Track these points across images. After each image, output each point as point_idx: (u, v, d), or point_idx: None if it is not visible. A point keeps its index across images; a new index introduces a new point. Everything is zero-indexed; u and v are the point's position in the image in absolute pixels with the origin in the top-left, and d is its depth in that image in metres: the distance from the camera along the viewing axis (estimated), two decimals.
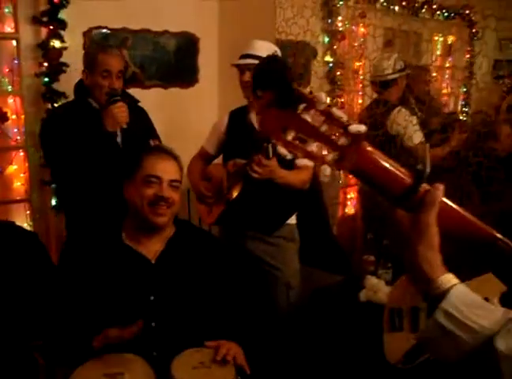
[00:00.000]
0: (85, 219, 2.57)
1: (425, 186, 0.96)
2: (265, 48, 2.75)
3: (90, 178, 2.55)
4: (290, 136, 0.91)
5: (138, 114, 2.84)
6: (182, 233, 2.08)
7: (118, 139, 2.67)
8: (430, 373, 2.26)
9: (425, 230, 0.94)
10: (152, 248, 1.99)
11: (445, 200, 0.97)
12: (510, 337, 0.89)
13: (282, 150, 0.92)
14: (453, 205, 0.99)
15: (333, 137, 0.91)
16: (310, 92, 0.92)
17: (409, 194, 0.95)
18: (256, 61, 2.67)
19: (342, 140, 0.91)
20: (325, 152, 0.92)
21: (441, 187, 0.96)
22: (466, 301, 0.92)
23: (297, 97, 0.90)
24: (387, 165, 0.96)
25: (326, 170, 0.92)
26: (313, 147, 0.91)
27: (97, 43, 3.56)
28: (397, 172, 0.96)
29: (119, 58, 2.69)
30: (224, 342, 1.81)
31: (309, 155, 0.92)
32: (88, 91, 2.69)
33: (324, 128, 0.91)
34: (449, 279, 0.95)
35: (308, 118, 0.90)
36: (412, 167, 0.98)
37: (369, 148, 0.94)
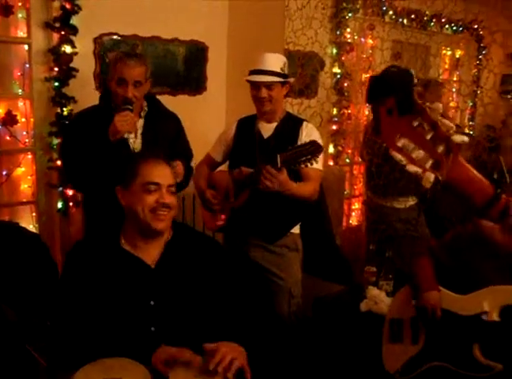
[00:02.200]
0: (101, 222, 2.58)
1: (504, 195, 1.05)
2: (276, 61, 2.74)
3: (99, 182, 2.57)
4: (400, 144, 0.99)
5: (166, 121, 2.88)
6: (179, 236, 2.08)
7: (131, 140, 2.72)
8: None
9: None
10: (150, 253, 1.99)
11: None
12: None
13: (397, 156, 0.99)
14: None
15: (434, 145, 0.98)
16: (423, 102, 0.98)
17: (493, 202, 1.03)
18: (271, 78, 2.70)
19: (441, 149, 0.99)
20: (425, 160, 1.00)
21: None
22: None
23: (414, 105, 0.98)
24: (474, 176, 1.04)
25: (431, 177, 0.99)
26: (417, 154, 0.99)
27: (123, 51, 3.53)
28: (482, 183, 1.05)
29: (138, 67, 2.66)
30: (223, 345, 1.77)
31: (414, 162, 1.00)
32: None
33: (429, 135, 0.98)
34: None
35: (417, 126, 0.98)
36: (489, 177, 1.05)
37: (461, 158, 1.02)
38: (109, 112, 2.66)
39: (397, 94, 0.99)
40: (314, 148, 2.40)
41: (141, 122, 2.78)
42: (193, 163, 3.03)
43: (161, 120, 2.86)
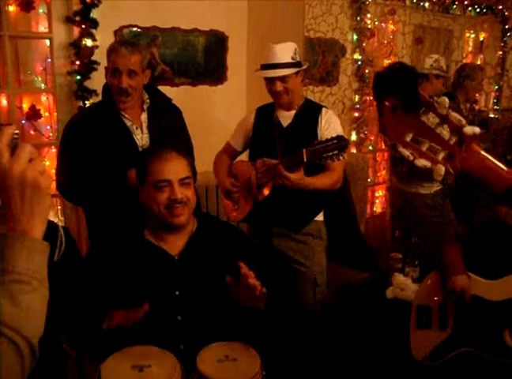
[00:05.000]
0: (106, 218, 2.53)
1: None
2: (285, 52, 2.69)
3: (108, 180, 2.53)
4: (408, 138, 0.98)
5: (169, 113, 2.78)
6: (204, 226, 2.08)
7: (138, 136, 2.62)
8: (456, 371, 2.25)
9: None
10: (175, 244, 2.00)
11: None
12: None
13: (404, 152, 0.99)
14: None
15: (446, 138, 0.98)
16: (430, 97, 0.97)
17: None
18: (283, 71, 2.66)
19: (454, 140, 0.98)
20: (437, 152, 0.99)
21: None
22: None
23: (420, 101, 0.97)
24: (492, 164, 1.01)
25: (441, 169, 0.98)
26: (427, 147, 0.98)
27: (119, 40, 3.54)
28: (501, 170, 1.02)
29: (132, 56, 2.51)
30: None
31: (424, 156, 0.98)
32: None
33: (439, 129, 0.98)
34: None
35: (425, 120, 0.97)
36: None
37: (477, 148, 1.00)
38: (111, 106, 2.59)
39: (400, 92, 0.98)
40: (341, 144, 2.34)
41: (144, 116, 2.66)
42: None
43: (165, 112, 2.73)
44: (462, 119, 0.97)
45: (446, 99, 0.97)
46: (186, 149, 2.71)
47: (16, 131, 0.99)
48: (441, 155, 0.98)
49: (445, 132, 0.98)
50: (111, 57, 2.54)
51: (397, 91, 0.99)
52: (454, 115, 0.97)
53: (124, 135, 2.58)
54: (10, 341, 0.92)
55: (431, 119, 0.97)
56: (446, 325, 2.35)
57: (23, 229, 0.98)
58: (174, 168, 1.95)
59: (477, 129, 0.97)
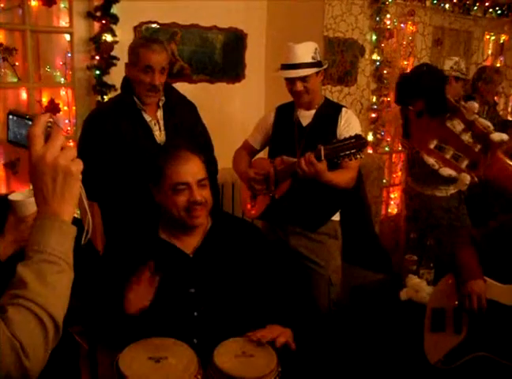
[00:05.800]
0: (122, 215, 2.54)
1: None
2: (306, 51, 2.68)
3: (125, 175, 2.54)
4: (432, 145, 0.95)
5: (183, 110, 2.77)
6: (219, 224, 2.08)
7: (157, 132, 2.62)
8: (471, 375, 2.23)
9: None
10: (189, 242, 2.00)
11: None
12: None
13: (429, 160, 0.95)
14: None
15: (471, 144, 0.94)
16: (456, 101, 0.95)
17: None
18: (304, 71, 2.66)
19: (478, 147, 0.94)
20: (460, 159, 0.95)
21: None
22: None
23: (447, 106, 0.94)
24: None
25: (466, 178, 0.95)
26: (451, 154, 0.95)
27: (143, 37, 3.57)
28: None
29: (163, 53, 2.55)
30: (268, 326, 1.84)
31: (448, 164, 0.95)
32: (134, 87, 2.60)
33: (464, 136, 0.94)
34: None
35: (451, 126, 0.94)
36: None
37: (502, 155, 0.97)
38: (132, 102, 2.59)
39: (427, 96, 0.95)
40: (359, 143, 2.33)
41: (160, 113, 2.66)
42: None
43: (180, 108, 2.74)
44: (490, 125, 0.94)
45: (476, 104, 0.95)
46: (203, 143, 2.75)
47: (50, 119, 1.02)
48: (464, 163, 0.95)
49: (467, 138, 0.95)
50: (140, 53, 2.51)
51: (425, 95, 0.96)
52: (481, 121, 0.94)
53: (144, 131, 2.59)
54: (36, 317, 0.96)
55: (456, 125, 0.94)
56: (461, 329, 2.33)
57: (54, 212, 1.02)
58: (191, 170, 1.94)
59: (505, 136, 0.94)
